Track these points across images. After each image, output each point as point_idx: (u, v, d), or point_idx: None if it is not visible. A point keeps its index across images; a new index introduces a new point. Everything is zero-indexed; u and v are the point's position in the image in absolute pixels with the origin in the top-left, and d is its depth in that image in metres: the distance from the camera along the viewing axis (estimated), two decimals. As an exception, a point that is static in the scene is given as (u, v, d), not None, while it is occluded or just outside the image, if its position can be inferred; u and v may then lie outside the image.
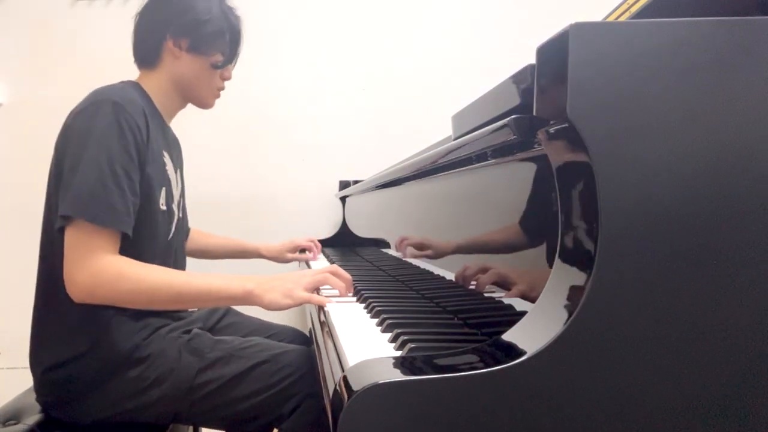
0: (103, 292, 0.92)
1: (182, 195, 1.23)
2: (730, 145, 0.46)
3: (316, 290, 1.00)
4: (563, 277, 0.49)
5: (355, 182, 1.99)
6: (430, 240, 0.99)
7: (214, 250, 1.55)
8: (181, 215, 1.19)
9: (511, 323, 0.52)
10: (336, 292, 1.01)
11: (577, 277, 0.47)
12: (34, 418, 1.00)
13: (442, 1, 2.22)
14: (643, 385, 0.47)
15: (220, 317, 1.35)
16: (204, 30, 1.11)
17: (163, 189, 1.07)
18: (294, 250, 1.66)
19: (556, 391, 0.47)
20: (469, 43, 2.20)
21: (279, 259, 1.65)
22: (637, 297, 0.46)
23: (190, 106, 1.23)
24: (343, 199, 2.10)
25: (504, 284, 0.66)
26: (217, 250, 1.56)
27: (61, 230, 0.93)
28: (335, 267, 1.03)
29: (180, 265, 1.20)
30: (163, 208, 1.07)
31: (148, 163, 1.01)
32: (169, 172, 1.11)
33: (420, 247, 1.06)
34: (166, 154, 1.11)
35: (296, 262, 1.75)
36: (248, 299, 0.95)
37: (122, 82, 1.09)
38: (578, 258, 0.48)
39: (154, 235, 1.05)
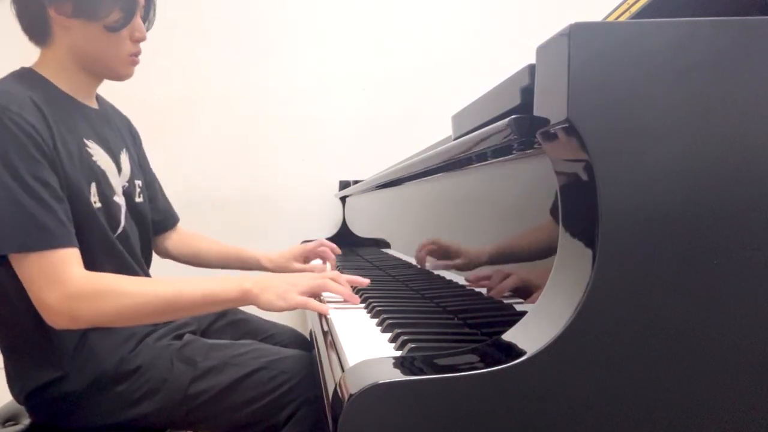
0: (85, 313, 0.84)
1: (134, 179, 1.09)
2: (730, 145, 0.46)
3: (317, 296, 0.96)
4: (563, 277, 0.49)
5: (355, 182, 1.99)
6: (459, 248, 0.86)
7: (206, 255, 1.36)
8: (139, 200, 1.09)
9: (511, 323, 0.52)
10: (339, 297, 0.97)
11: (577, 277, 0.47)
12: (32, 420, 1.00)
13: (442, 1, 2.22)
14: (642, 385, 0.47)
15: (215, 319, 1.27)
16: None
17: (93, 184, 0.95)
18: (302, 258, 1.37)
19: (556, 391, 0.47)
20: (469, 43, 2.20)
21: (284, 270, 1.38)
22: (637, 297, 0.46)
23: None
24: (343, 199, 2.10)
25: (505, 284, 0.66)
26: (210, 256, 1.36)
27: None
28: (335, 273, 0.98)
29: (138, 262, 1.07)
30: (97, 204, 0.96)
31: (61, 162, 0.89)
32: (98, 161, 0.98)
33: (445, 255, 0.92)
34: (89, 142, 0.98)
35: None
36: (246, 299, 0.90)
37: (6, 75, 0.96)
38: (578, 258, 0.48)
39: (95, 234, 0.95)
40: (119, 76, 1.03)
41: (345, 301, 0.94)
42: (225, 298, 0.90)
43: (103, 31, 0.96)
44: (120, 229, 1.02)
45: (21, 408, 1.03)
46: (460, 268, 0.82)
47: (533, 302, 0.52)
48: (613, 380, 0.47)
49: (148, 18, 1.05)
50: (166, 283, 0.89)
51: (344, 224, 2.08)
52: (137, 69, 1.05)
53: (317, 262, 1.42)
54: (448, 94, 2.08)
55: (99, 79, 1.04)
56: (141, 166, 1.19)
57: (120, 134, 1.12)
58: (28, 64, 1.03)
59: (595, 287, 0.46)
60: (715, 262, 0.46)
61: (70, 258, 0.84)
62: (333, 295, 0.96)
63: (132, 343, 0.98)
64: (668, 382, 0.47)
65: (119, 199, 1.02)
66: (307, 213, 2.19)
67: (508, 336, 0.52)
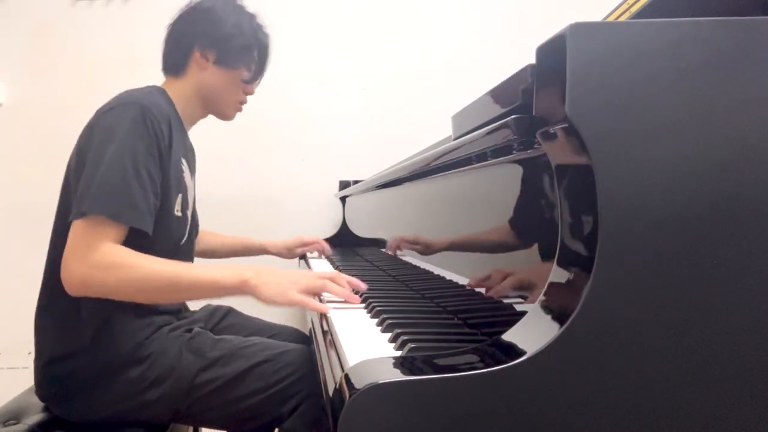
0: (96, 282, 0.90)
1: (194, 201, 1.24)
2: (730, 145, 0.46)
3: (317, 296, 0.98)
4: (563, 277, 0.49)
5: (355, 182, 1.99)
6: (422, 236, 0.99)
7: (221, 249, 1.55)
8: (192, 221, 1.20)
9: (511, 323, 0.52)
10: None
11: (577, 277, 0.47)
12: (34, 418, 1.00)
13: (442, 1, 2.22)
14: (642, 385, 0.47)
15: (222, 317, 1.35)
16: (232, 44, 1.13)
17: (180, 195, 1.08)
18: (302, 245, 1.66)
19: (556, 391, 0.47)
20: (469, 43, 2.20)
21: (285, 254, 1.65)
22: (636, 297, 0.46)
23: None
24: (343, 199, 2.10)
25: (504, 284, 0.66)
26: (224, 250, 1.56)
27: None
28: (335, 273, 1.00)
29: None
30: (178, 214, 1.08)
31: (167, 169, 1.02)
32: (186, 179, 1.12)
33: (413, 242, 1.07)
34: (184, 161, 1.12)
35: (297, 262, 1.75)
36: (244, 288, 0.92)
37: (149, 86, 1.11)
38: (578, 258, 0.48)
39: (167, 239, 1.05)
40: (225, 117, 1.24)
41: (345, 302, 0.95)
42: (224, 285, 0.93)
43: (233, 81, 1.17)
44: (183, 241, 1.13)
45: (22, 407, 1.03)
46: (459, 268, 0.82)
47: (533, 302, 0.52)
48: (613, 380, 0.47)
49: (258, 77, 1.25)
50: (170, 264, 0.94)
51: (344, 224, 2.08)
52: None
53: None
54: (448, 94, 2.08)
55: (206, 114, 1.23)
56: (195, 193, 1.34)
57: (195, 163, 1.28)
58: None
59: (595, 287, 0.46)
60: (715, 262, 0.46)
61: (121, 234, 0.93)
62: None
63: (149, 330, 1.03)
64: (668, 382, 0.47)
65: (189, 214, 1.15)
66: (307, 213, 2.19)
67: (508, 336, 0.52)
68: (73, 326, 0.99)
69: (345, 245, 2.01)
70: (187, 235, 1.14)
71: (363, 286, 0.99)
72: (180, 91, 1.15)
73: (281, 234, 2.11)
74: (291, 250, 1.65)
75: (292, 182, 2.20)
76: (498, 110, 0.61)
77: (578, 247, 0.48)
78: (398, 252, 1.25)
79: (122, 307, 0.99)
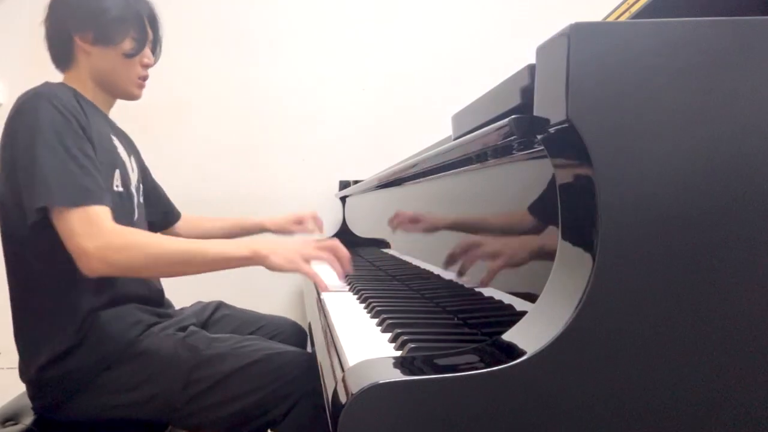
0: (118, 260, 0.93)
1: (142, 180, 1.25)
2: (730, 145, 0.46)
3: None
4: (563, 277, 0.49)
5: (355, 182, 1.99)
6: (424, 215, 1.04)
7: (216, 231, 1.56)
8: (141, 200, 1.22)
9: (511, 323, 0.52)
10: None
11: (577, 277, 0.47)
12: (32, 418, 1.00)
13: (442, 1, 2.22)
14: (642, 385, 0.47)
15: (213, 311, 1.35)
16: (104, 19, 1.10)
17: (117, 170, 1.09)
18: (298, 222, 1.62)
19: (556, 391, 0.47)
20: (469, 42, 2.19)
21: (284, 230, 1.62)
22: (637, 297, 0.46)
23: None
24: (343, 199, 2.10)
25: (504, 284, 0.66)
26: (220, 232, 1.56)
27: (35, 225, 0.94)
28: (336, 244, 1.05)
29: None
30: (119, 189, 1.09)
31: (95, 143, 1.02)
32: (121, 154, 1.13)
33: (414, 221, 1.11)
34: (114, 138, 1.13)
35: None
36: (256, 259, 0.97)
37: (48, 82, 1.08)
38: (578, 258, 0.48)
39: (115, 216, 1.03)
40: (129, 96, 1.20)
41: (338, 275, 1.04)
42: (237, 256, 0.98)
43: (120, 57, 1.13)
44: (135, 216, 1.15)
45: (21, 408, 1.03)
46: (460, 267, 0.82)
47: (533, 302, 0.52)
48: (613, 380, 0.47)
49: (155, 50, 1.23)
50: (184, 241, 0.99)
51: (344, 224, 2.08)
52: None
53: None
54: (448, 94, 2.08)
55: (113, 98, 1.20)
56: (143, 174, 1.32)
57: (131, 143, 1.28)
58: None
59: (595, 287, 0.46)
60: (715, 262, 0.46)
61: (105, 214, 0.95)
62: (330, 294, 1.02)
63: (139, 328, 1.04)
64: (668, 382, 0.47)
65: (134, 191, 1.16)
66: (308, 213, 2.19)
67: (508, 336, 0.51)
68: (56, 330, 0.99)
69: (345, 245, 2.00)
70: (137, 212, 1.16)
71: (350, 269, 1.06)
72: (78, 81, 1.13)
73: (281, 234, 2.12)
74: (288, 225, 1.61)
75: (292, 182, 2.19)
76: (498, 110, 0.61)
77: (578, 247, 0.48)
78: (398, 229, 1.28)
79: (102, 304, 1.01)
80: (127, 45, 1.13)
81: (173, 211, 1.48)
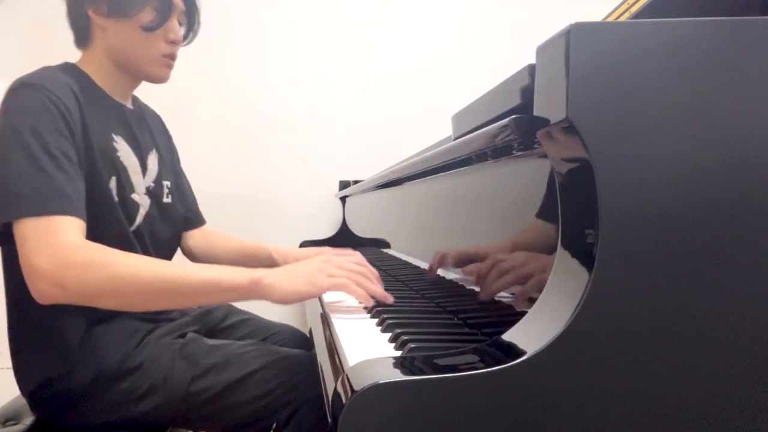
0: (74, 281, 0.78)
1: (161, 179, 1.11)
2: (730, 145, 0.46)
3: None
4: (563, 277, 0.49)
5: (355, 182, 1.99)
6: (459, 248, 0.85)
7: (224, 254, 1.33)
8: (161, 203, 1.10)
9: (511, 323, 0.52)
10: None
11: (577, 277, 0.47)
12: (33, 418, 1.00)
13: (442, 1, 2.22)
14: (642, 385, 0.47)
15: (222, 318, 1.27)
16: None
17: (113, 179, 0.97)
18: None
19: (556, 391, 0.47)
20: (469, 42, 2.20)
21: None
22: (637, 297, 0.46)
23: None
24: (343, 199, 2.10)
25: (504, 284, 0.66)
26: (228, 256, 1.33)
27: (2, 235, 0.86)
28: (364, 269, 0.89)
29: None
30: (115, 199, 0.97)
31: (86, 149, 0.91)
32: (122, 157, 1.00)
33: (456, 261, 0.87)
34: (116, 138, 1.00)
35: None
36: (256, 290, 0.83)
37: (49, 66, 0.99)
38: (578, 258, 0.48)
39: (108, 228, 0.95)
40: (152, 77, 1.05)
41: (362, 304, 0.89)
42: (231, 286, 0.83)
43: (138, 31, 0.99)
44: (135, 227, 1.02)
45: (21, 408, 1.03)
46: (460, 267, 0.82)
47: (533, 302, 0.52)
48: (613, 380, 0.47)
49: (191, 26, 1.08)
50: (167, 264, 0.86)
51: (344, 224, 2.08)
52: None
53: None
54: (448, 94, 2.08)
55: (135, 79, 1.07)
56: (172, 167, 1.21)
57: (152, 136, 1.15)
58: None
59: (595, 287, 0.46)
60: (715, 262, 0.46)
61: (71, 226, 0.82)
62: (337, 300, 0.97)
63: (135, 339, 0.98)
64: (668, 382, 0.47)
65: (138, 198, 1.04)
66: (307, 213, 2.19)
67: (508, 336, 0.51)
68: (53, 349, 0.94)
69: (345, 245, 2.01)
70: (139, 221, 1.03)
71: (390, 299, 0.87)
72: (94, 62, 1.02)
73: (281, 234, 2.12)
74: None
75: (292, 182, 2.20)
76: (498, 110, 0.61)
77: (578, 247, 0.48)
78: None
79: (100, 318, 0.94)
80: (146, 16, 0.98)
81: (191, 218, 1.31)
